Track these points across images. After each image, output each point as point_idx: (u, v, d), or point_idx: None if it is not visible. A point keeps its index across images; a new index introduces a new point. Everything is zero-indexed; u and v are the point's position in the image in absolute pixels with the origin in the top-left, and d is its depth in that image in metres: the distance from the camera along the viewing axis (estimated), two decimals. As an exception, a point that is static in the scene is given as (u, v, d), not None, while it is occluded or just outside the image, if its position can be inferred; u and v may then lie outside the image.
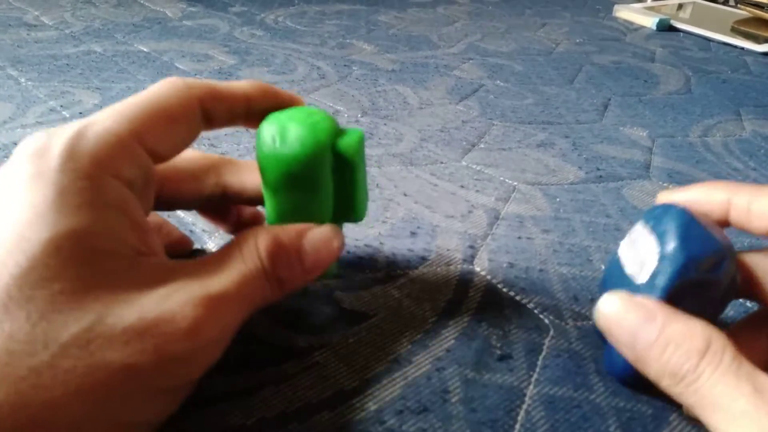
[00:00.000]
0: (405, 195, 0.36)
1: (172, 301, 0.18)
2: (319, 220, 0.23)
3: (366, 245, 0.31)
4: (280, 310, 0.26)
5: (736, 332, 0.24)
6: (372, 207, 0.34)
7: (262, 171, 0.22)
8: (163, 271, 0.19)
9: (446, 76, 0.57)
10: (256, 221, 0.29)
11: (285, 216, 0.23)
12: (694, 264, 0.20)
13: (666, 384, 0.20)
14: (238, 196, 0.26)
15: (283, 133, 0.21)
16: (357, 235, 0.32)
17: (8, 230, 0.17)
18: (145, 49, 0.58)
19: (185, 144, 0.21)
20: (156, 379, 0.17)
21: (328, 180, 0.23)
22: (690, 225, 0.21)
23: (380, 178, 0.38)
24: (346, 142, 0.22)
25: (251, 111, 0.23)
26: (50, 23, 0.63)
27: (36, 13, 0.67)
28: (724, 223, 0.23)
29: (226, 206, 0.28)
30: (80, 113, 0.43)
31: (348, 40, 0.65)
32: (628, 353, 0.21)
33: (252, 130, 0.36)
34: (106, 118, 0.19)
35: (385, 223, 0.33)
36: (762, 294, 0.23)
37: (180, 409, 0.21)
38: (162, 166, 0.23)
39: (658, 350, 0.20)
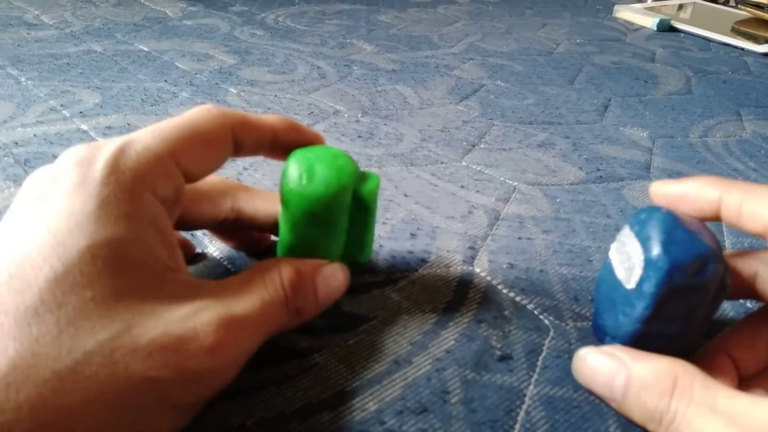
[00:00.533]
0: (405, 196, 0.36)
1: (197, 319, 0.18)
2: (330, 256, 0.24)
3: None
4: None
5: (737, 332, 0.24)
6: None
7: (284, 204, 0.23)
8: (189, 288, 0.19)
9: (446, 76, 0.57)
10: (263, 241, 0.30)
11: (298, 248, 0.24)
12: (678, 270, 0.20)
13: (652, 428, 0.20)
14: (249, 222, 0.27)
15: (310, 173, 0.23)
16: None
17: (47, 236, 0.17)
18: (145, 49, 0.58)
19: (215, 167, 0.22)
20: (174, 394, 0.18)
21: (345, 220, 0.24)
22: (673, 229, 0.21)
23: (380, 179, 0.38)
24: (367, 188, 0.24)
25: (276, 143, 0.24)
26: (50, 22, 0.63)
27: (36, 12, 0.67)
28: (716, 219, 0.23)
29: (238, 228, 0.28)
30: (80, 112, 0.43)
31: (348, 40, 0.65)
32: (613, 405, 0.22)
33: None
34: (147, 137, 0.20)
35: (386, 224, 0.33)
36: (763, 291, 0.23)
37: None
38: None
39: (632, 397, 0.21)
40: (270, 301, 0.21)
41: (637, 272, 0.21)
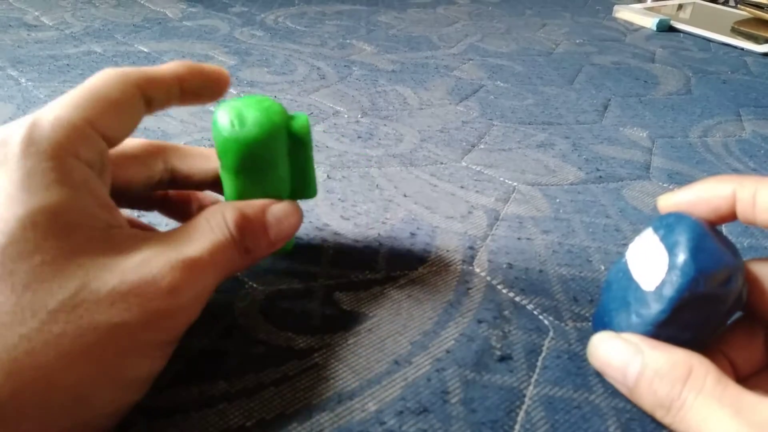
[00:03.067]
0: (405, 196, 0.36)
1: (152, 265, 0.19)
2: (278, 198, 0.25)
3: (366, 246, 0.31)
4: (279, 311, 0.26)
5: (732, 333, 0.24)
6: (372, 208, 0.34)
7: (222, 155, 0.24)
8: (137, 239, 0.20)
9: (446, 77, 0.57)
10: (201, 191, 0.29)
11: (245, 196, 0.24)
12: (704, 278, 0.20)
13: (660, 415, 0.21)
14: (185, 181, 0.27)
15: (240, 118, 0.23)
16: (357, 236, 0.32)
17: None
18: (145, 50, 0.58)
19: (131, 128, 0.22)
20: (143, 333, 0.18)
21: (285, 159, 0.25)
22: (702, 238, 0.21)
23: (380, 179, 0.38)
24: (298, 123, 0.25)
25: (184, 90, 0.24)
26: (50, 23, 0.63)
27: (36, 13, 0.67)
28: (732, 218, 0.22)
29: (186, 201, 0.28)
30: (80, 114, 0.43)
31: (348, 41, 0.65)
32: (623, 390, 0.22)
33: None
34: (56, 108, 0.20)
35: (385, 224, 0.33)
36: (757, 303, 0.22)
37: (180, 410, 0.21)
38: (111, 152, 0.24)
39: (645, 384, 0.21)
40: (218, 242, 0.21)
41: (659, 275, 0.21)
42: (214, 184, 0.27)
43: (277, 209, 0.24)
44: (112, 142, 0.21)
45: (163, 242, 0.20)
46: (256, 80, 0.52)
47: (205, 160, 0.27)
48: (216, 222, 0.22)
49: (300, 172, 0.26)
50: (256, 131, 0.23)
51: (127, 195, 0.25)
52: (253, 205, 0.23)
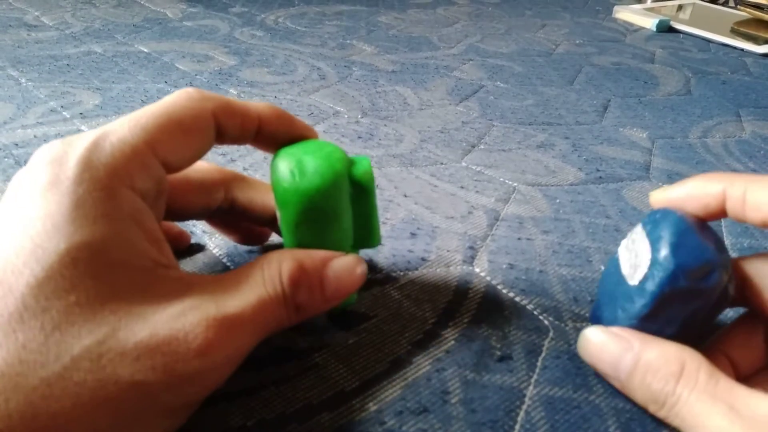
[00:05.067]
0: (405, 196, 0.36)
1: (186, 319, 0.17)
2: (341, 249, 0.23)
3: (366, 246, 0.31)
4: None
5: (732, 332, 0.24)
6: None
7: (281, 205, 0.22)
8: (179, 286, 0.18)
9: (446, 77, 0.57)
10: (264, 234, 0.29)
11: (306, 247, 0.23)
12: (683, 272, 0.21)
13: (653, 410, 0.21)
14: (245, 213, 0.26)
15: (300, 167, 0.21)
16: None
17: (24, 239, 0.17)
18: (145, 50, 0.58)
19: (198, 155, 0.21)
20: (164, 397, 0.17)
21: (348, 208, 0.23)
22: (685, 234, 0.21)
23: (380, 179, 0.38)
24: (360, 170, 0.23)
25: (262, 132, 0.23)
26: (50, 24, 0.63)
27: (36, 13, 0.67)
28: (722, 216, 0.22)
29: (236, 220, 0.28)
30: (81, 114, 0.43)
31: (348, 41, 0.65)
32: (615, 383, 0.22)
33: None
34: (123, 128, 0.19)
35: (385, 224, 0.33)
36: (754, 299, 0.22)
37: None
38: (173, 177, 0.23)
39: (638, 378, 0.21)
40: (267, 297, 0.20)
41: (642, 270, 0.22)
42: (273, 222, 0.26)
43: (339, 264, 0.22)
44: (173, 168, 0.21)
45: (206, 292, 0.19)
46: (256, 81, 0.52)
47: (267, 194, 0.26)
48: (270, 274, 0.20)
49: (363, 220, 0.24)
50: (318, 181, 0.21)
51: (180, 217, 0.25)
52: (314, 257, 0.21)
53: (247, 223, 0.28)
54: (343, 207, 0.23)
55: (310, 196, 0.21)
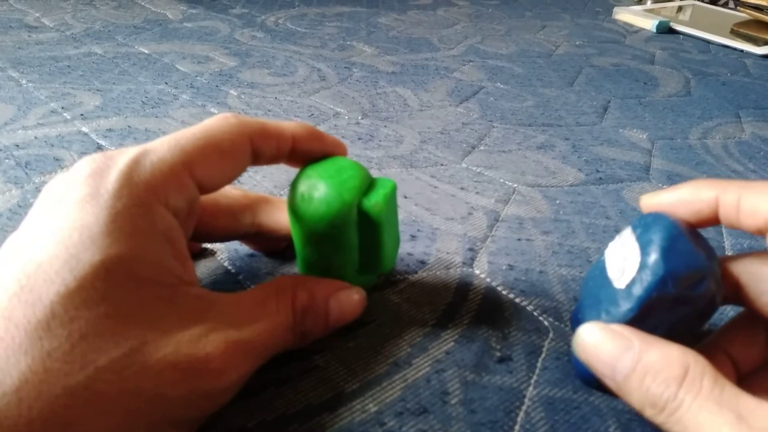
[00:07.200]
0: (405, 197, 0.36)
1: (207, 340, 0.18)
2: (344, 272, 0.24)
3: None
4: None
5: (733, 329, 0.24)
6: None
7: (292, 225, 0.24)
8: (200, 304, 0.19)
9: (446, 78, 0.57)
10: (281, 242, 0.29)
11: (312, 265, 0.24)
12: (672, 279, 0.20)
13: (649, 414, 0.20)
14: (270, 234, 0.27)
15: (311, 193, 0.22)
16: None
17: (59, 248, 0.17)
18: (145, 51, 0.58)
19: (232, 178, 0.22)
20: (179, 411, 0.18)
21: (353, 237, 0.24)
22: (676, 239, 0.21)
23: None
24: (372, 202, 0.23)
25: (295, 151, 0.24)
26: (51, 25, 0.63)
27: (37, 14, 0.67)
28: (714, 223, 0.22)
29: (261, 238, 0.29)
30: (81, 115, 0.43)
31: (348, 42, 0.65)
32: (610, 384, 0.21)
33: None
34: (163, 147, 0.20)
35: (385, 225, 0.33)
36: (748, 298, 0.22)
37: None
38: (203, 199, 0.24)
39: (636, 380, 0.20)
40: (279, 325, 0.21)
41: (630, 274, 0.21)
42: None
43: (344, 296, 0.23)
44: (207, 189, 0.21)
45: (226, 314, 0.20)
46: (256, 82, 0.52)
47: None
48: (284, 303, 0.21)
49: (373, 246, 0.24)
50: (324, 210, 0.22)
51: (206, 239, 0.26)
52: (324, 287, 0.23)
53: (267, 239, 0.29)
54: (347, 235, 0.23)
55: (314, 222, 0.22)
